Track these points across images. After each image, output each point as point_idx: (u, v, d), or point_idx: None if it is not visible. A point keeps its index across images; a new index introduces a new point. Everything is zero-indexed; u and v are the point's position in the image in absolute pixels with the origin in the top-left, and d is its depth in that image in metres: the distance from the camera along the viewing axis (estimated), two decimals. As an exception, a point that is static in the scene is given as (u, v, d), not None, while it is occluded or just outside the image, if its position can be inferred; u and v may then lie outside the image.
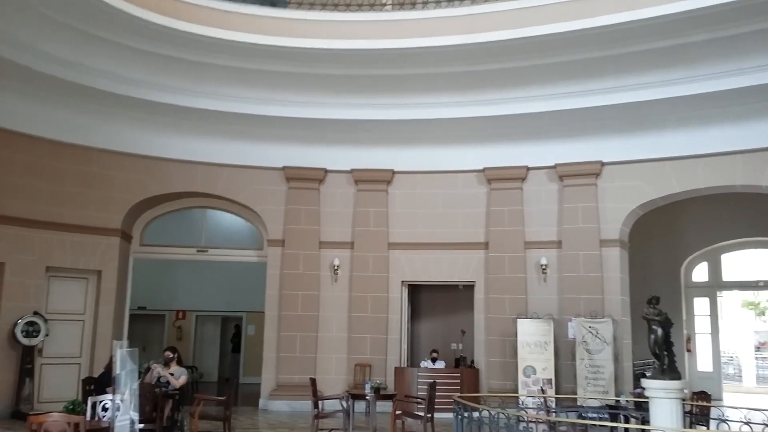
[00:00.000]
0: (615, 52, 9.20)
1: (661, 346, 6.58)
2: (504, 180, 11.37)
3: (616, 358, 10.11)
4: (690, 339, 14.69)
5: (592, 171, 10.83)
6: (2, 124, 9.78)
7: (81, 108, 10.34)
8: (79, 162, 10.64)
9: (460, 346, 11.95)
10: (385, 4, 10.72)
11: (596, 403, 9.02)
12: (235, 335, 17.36)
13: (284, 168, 11.75)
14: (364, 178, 11.82)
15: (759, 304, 23.59)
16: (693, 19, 8.31)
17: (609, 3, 8.83)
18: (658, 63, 9.15)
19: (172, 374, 7.82)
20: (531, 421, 6.65)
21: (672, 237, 13.90)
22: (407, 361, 11.72)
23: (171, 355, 8.07)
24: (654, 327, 6.64)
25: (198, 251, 12.21)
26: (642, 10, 8.49)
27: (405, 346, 11.77)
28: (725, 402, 12.24)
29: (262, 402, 11.30)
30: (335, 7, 10.46)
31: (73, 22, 8.94)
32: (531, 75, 9.96)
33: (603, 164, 10.78)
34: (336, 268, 11.60)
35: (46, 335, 10.00)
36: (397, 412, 8.43)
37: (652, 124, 10.13)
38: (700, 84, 9.07)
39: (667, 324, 6.73)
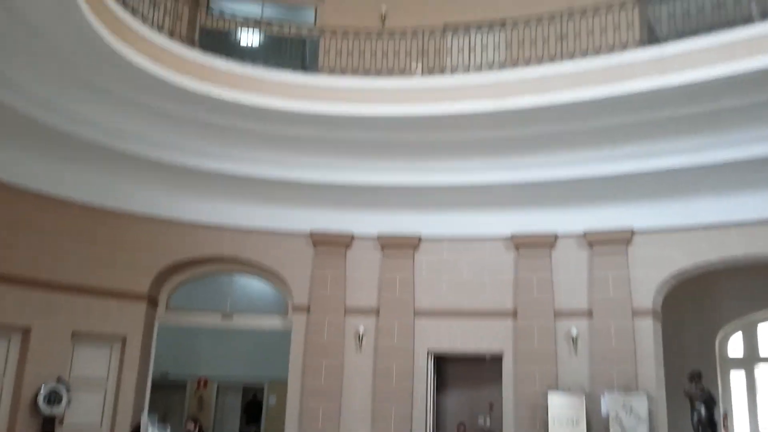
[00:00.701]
0: (645, 118, 9.19)
1: (705, 426, 6.29)
2: (532, 247, 11.21)
3: (652, 436, 9.67)
4: (727, 416, 14.04)
5: (623, 238, 10.64)
6: (32, 186, 9.85)
7: (112, 171, 10.47)
8: (109, 225, 10.71)
9: (488, 420, 11.53)
10: (415, 70, 10.87)
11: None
12: (251, 404, 16.75)
13: (311, 233, 11.73)
14: (390, 244, 11.75)
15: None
16: (725, 84, 8.30)
17: (638, 68, 8.89)
18: (690, 128, 9.10)
19: (194, 446, 7.62)
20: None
21: (705, 307, 13.46)
22: (433, 434, 11.34)
23: (193, 428, 7.89)
24: (697, 405, 6.37)
25: (223, 317, 12.10)
26: (673, 76, 8.51)
27: (431, 418, 11.40)
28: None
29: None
30: (366, 72, 10.65)
31: (105, 85, 9.13)
32: (560, 140, 9.96)
33: (634, 232, 10.60)
34: (361, 336, 11.41)
35: (69, 403, 9.79)
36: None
37: (684, 190, 9.98)
38: (732, 150, 8.98)
39: (710, 402, 6.44)
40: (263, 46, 12.21)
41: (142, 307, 10.97)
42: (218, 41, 11.34)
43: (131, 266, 10.85)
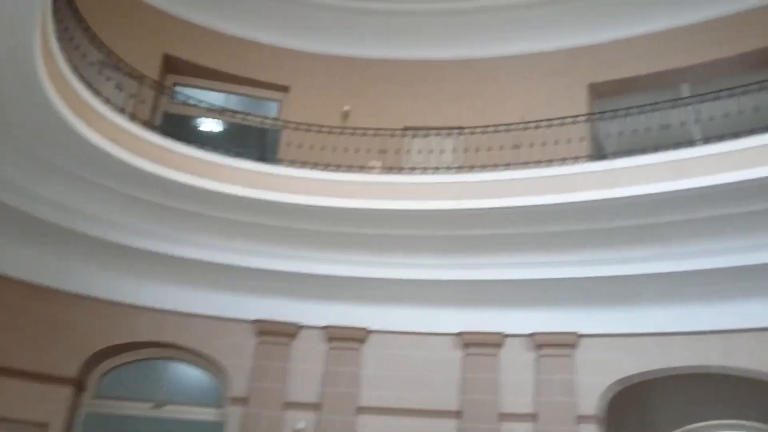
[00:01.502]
0: (593, 227, 9.66)
1: None
2: (480, 345, 11.22)
3: None
4: None
5: (569, 342, 10.81)
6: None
7: (51, 247, 10.07)
8: (43, 304, 10.14)
9: None
10: (374, 168, 11.14)
11: None
12: None
13: (256, 321, 11.42)
14: (337, 336, 11.52)
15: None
16: (670, 200, 8.90)
17: (588, 180, 9.42)
18: (636, 239, 9.60)
19: None
20: None
21: (649, 413, 13.73)
22: None
23: None
24: None
25: (155, 406, 11.39)
26: (621, 189, 9.06)
27: None
28: None
29: None
30: (325, 167, 10.84)
31: (52, 159, 8.97)
32: (511, 242, 10.28)
33: (580, 336, 10.81)
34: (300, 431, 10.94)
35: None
36: None
37: (630, 298, 10.36)
38: (676, 262, 9.48)
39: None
40: (225, 133, 12.32)
41: (67, 393, 10.22)
42: (180, 126, 11.40)
43: (61, 348, 10.22)
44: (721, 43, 11.19)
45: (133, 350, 11.17)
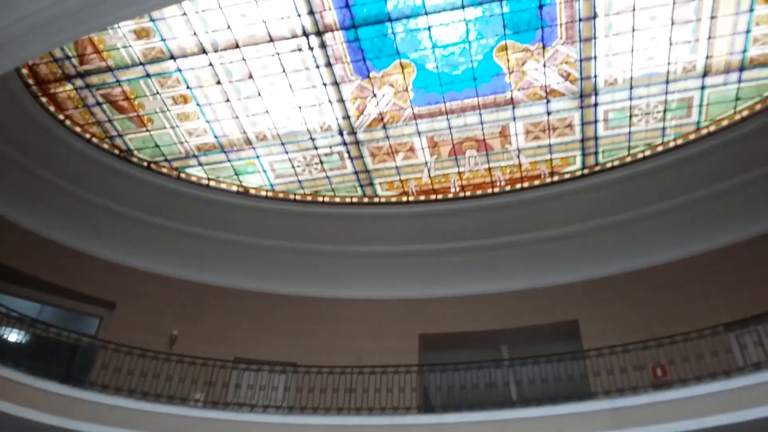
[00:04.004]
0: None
1: None
2: None
3: None
4: None
5: None
6: None
7: None
8: None
9: None
10: (198, 400, 10.31)
11: None
12: None
13: None
14: None
15: None
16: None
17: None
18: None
19: None
20: None
21: None
22: None
23: None
24: None
25: None
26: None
27: None
28: None
29: None
30: (143, 395, 9.87)
31: None
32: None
33: None
34: None
35: None
36: None
37: None
38: None
39: None
40: (31, 347, 10.89)
41: None
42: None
43: None
44: (536, 311, 12.42)
45: None
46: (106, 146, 12.20)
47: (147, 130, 11.97)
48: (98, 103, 11.53)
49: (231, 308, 12.88)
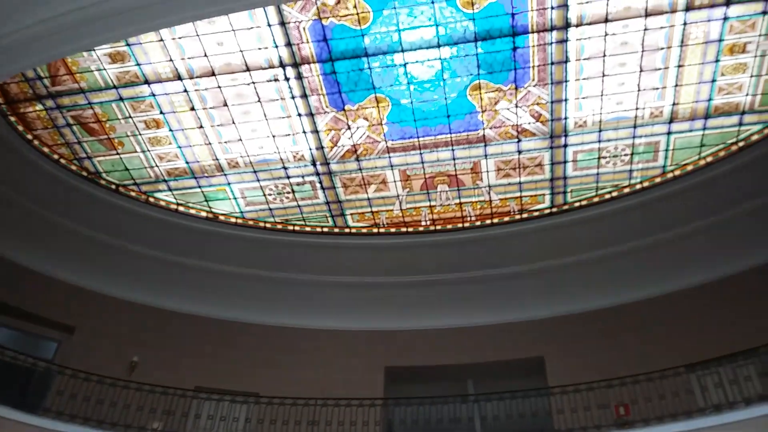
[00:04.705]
0: None
1: None
2: None
3: None
4: None
5: None
6: None
7: None
8: None
9: None
10: (156, 429, 10.05)
11: None
12: None
13: None
14: None
15: None
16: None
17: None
18: None
19: None
20: None
21: None
22: None
23: None
24: None
25: None
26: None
27: None
28: None
29: None
30: (99, 423, 9.61)
31: None
32: None
33: None
34: None
35: None
36: None
37: None
38: None
39: None
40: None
41: None
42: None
43: None
44: (503, 346, 12.45)
45: None
46: (74, 167, 12.04)
47: (117, 153, 11.85)
48: (68, 125, 11.40)
49: (194, 335, 12.66)
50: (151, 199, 12.64)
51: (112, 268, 12.85)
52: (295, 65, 10.45)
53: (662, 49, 10.20)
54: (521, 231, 12.75)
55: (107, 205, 12.42)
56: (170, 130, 11.46)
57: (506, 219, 12.81)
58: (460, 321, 12.99)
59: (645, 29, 9.96)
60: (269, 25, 9.90)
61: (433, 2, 9.73)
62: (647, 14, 9.79)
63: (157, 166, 12.09)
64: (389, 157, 11.90)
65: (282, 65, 10.45)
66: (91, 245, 12.67)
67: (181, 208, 12.77)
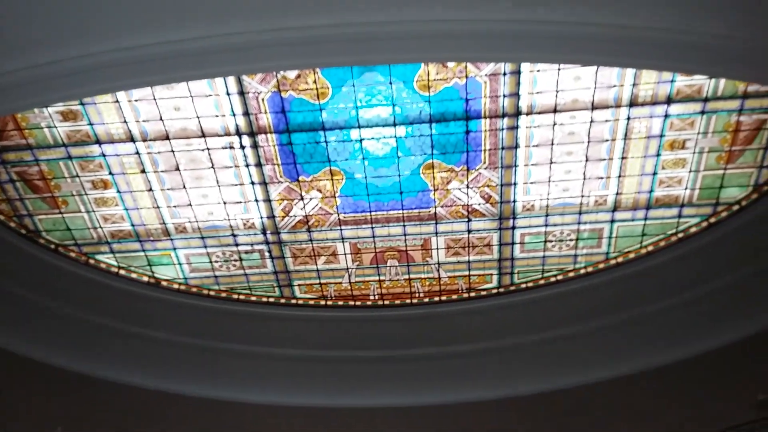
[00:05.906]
0: None
1: None
2: None
3: None
4: None
5: None
6: None
7: None
8: None
9: None
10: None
11: None
12: None
13: None
14: None
15: None
16: None
17: None
18: None
19: None
20: None
21: None
22: None
23: None
24: None
25: None
26: None
27: None
28: None
29: None
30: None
31: None
32: None
33: None
34: None
35: None
36: None
37: None
38: None
39: None
40: None
41: None
42: None
43: None
44: (447, 428, 12.24)
45: None
46: (12, 224, 11.58)
47: (60, 212, 11.49)
48: (11, 180, 11.04)
49: (127, 408, 12.07)
50: (92, 261, 12.21)
51: (43, 330, 12.21)
52: (252, 134, 10.48)
53: (607, 140, 10.66)
54: (469, 309, 12.75)
55: (43, 264, 11.90)
56: (118, 191, 11.20)
57: (454, 297, 12.84)
58: (405, 400, 12.74)
59: (591, 121, 10.42)
60: (228, 94, 9.96)
61: (391, 83, 10.02)
62: (593, 107, 10.27)
63: (101, 227, 11.73)
64: (341, 229, 11.88)
65: (238, 133, 10.46)
66: (21, 305, 12.03)
67: (122, 272, 12.35)
